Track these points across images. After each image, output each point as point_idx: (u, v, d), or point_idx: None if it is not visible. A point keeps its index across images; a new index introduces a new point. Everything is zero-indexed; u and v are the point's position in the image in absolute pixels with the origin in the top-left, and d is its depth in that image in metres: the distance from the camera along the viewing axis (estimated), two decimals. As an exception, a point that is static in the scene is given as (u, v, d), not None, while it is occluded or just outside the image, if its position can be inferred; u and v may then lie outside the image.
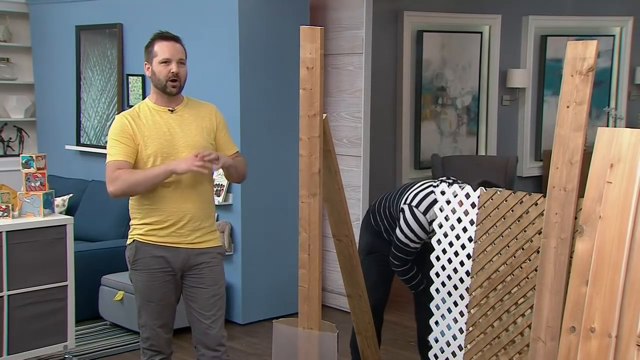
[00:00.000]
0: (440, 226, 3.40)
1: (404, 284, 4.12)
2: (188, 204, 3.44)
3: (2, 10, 7.14)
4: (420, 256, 3.94)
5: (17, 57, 7.30)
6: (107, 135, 6.19)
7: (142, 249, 3.46)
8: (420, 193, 3.85)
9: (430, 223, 3.75)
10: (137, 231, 3.49)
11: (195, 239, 3.48)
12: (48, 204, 4.51)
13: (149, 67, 3.48)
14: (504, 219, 3.17)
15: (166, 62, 3.41)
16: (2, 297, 4.32)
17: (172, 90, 3.44)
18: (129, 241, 3.53)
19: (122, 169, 3.37)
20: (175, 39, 3.48)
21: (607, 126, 6.83)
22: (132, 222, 3.53)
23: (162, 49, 3.43)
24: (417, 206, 3.82)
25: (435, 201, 3.55)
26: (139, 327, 3.59)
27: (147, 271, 3.46)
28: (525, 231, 3.10)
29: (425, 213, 3.80)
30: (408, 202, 3.87)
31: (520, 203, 3.12)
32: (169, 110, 3.48)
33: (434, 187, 3.75)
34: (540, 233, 2.97)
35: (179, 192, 3.43)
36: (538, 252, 2.97)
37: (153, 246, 3.45)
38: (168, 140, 3.42)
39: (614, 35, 8.19)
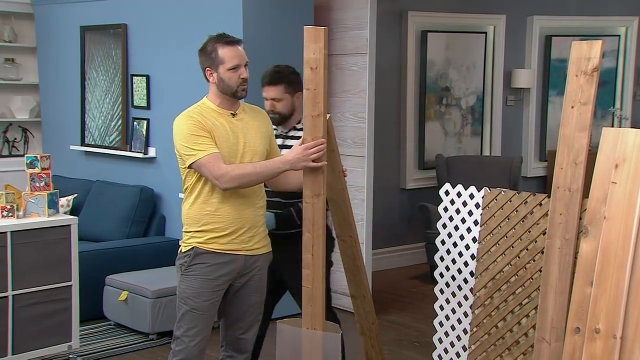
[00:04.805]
0: (445, 226, 3.39)
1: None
2: (249, 210, 3.37)
3: (7, 11, 7.15)
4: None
5: (22, 57, 7.31)
6: (111, 135, 6.39)
7: (202, 256, 3.34)
8: None
9: None
10: (196, 239, 3.35)
11: (254, 244, 3.41)
12: (52, 204, 4.51)
13: (211, 73, 3.34)
14: (508, 219, 3.17)
15: (236, 68, 3.31)
16: (6, 297, 4.33)
17: (242, 94, 3.35)
18: (185, 248, 3.39)
19: (222, 161, 3.25)
20: (238, 42, 3.37)
21: (612, 126, 6.83)
22: (188, 228, 3.40)
23: (229, 55, 3.30)
24: None
25: None
26: (173, 339, 3.44)
27: (202, 278, 3.34)
28: (529, 232, 3.10)
29: None
30: None
31: (525, 203, 3.11)
32: (231, 114, 3.38)
33: None
34: (544, 233, 2.97)
35: (242, 198, 3.33)
36: (542, 252, 2.97)
37: (213, 254, 3.34)
38: (233, 144, 3.33)
39: (619, 36, 8.17)
